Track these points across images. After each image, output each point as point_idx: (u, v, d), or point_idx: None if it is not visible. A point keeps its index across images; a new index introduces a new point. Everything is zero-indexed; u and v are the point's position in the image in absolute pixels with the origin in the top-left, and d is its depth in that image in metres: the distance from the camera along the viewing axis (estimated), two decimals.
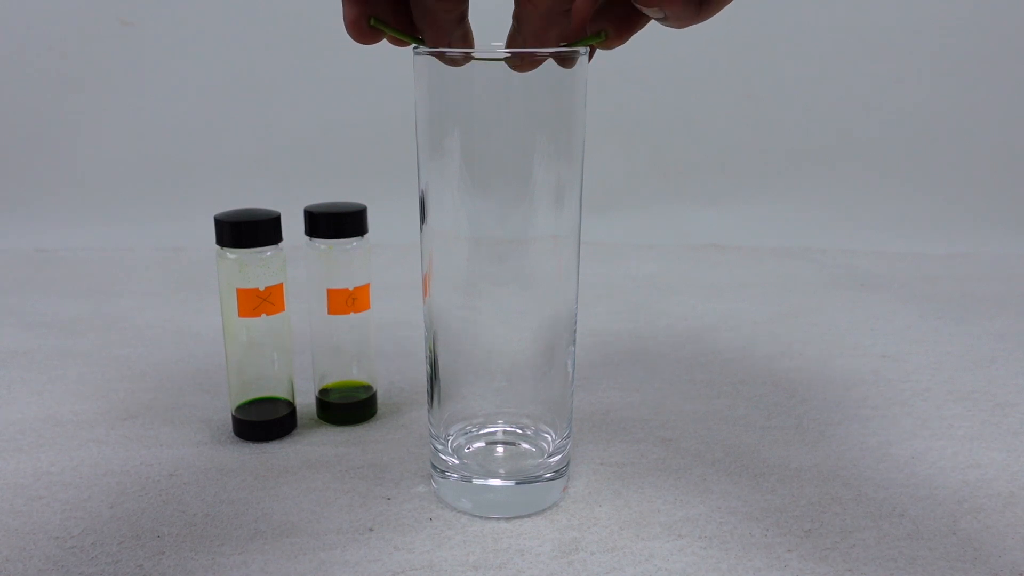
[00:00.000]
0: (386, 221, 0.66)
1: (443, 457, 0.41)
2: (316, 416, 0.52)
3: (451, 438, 0.42)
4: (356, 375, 0.51)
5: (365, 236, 0.49)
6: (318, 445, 0.48)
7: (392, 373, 0.59)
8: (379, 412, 0.52)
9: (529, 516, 0.41)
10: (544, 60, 0.34)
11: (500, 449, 0.42)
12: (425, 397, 0.43)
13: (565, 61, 0.35)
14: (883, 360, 0.62)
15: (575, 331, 0.41)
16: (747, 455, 0.47)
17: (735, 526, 0.40)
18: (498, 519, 0.40)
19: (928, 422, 0.52)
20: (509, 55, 0.34)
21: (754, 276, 0.86)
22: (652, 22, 0.33)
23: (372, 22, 0.32)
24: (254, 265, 0.46)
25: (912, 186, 1.06)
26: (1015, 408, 0.54)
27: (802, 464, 0.46)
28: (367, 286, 0.50)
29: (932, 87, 1.06)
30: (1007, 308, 0.75)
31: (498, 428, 0.42)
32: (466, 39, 0.33)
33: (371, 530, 0.40)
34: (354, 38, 0.33)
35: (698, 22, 0.31)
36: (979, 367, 0.61)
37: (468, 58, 0.33)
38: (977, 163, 1.07)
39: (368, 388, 0.52)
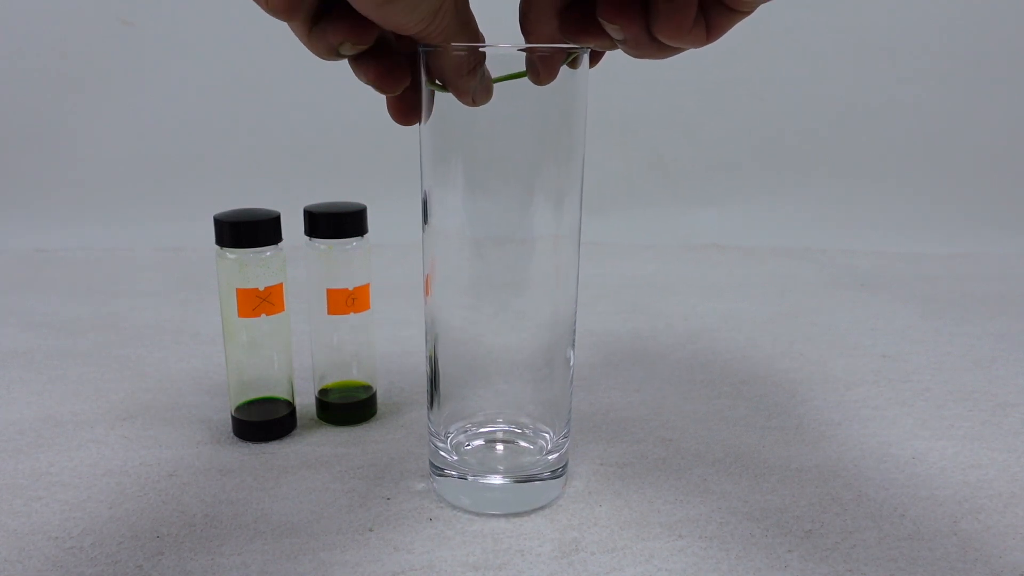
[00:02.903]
0: (386, 221, 0.66)
1: (443, 455, 0.41)
2: (316, 416, 0.52)
3: (450, 435, 0.42)
4: (356, 375, 0.51)
5: (365, 236, 0.49)
6: (318, 445, 0.48)
7: (392, 373, 0.59)
8: (379, 412, 0.52)
9: (529, 516, 0.41)
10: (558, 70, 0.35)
11: (499, 447, 0.42)
12: (425, 397, 0.43)
13: (573, 63, 0.36)
14: (883, 360, 0.62)
15: (574, 331, 0.41)
16: (747, 455, 0.47)
17: (735, 526, 0.40)
18: (498, 519, 0.40)
19: (928, 422, 0.52)
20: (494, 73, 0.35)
21: (754, 276, 0.86)
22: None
23: (429, 85, 0.36)
24: (254, 265, 0.46)
25: (912, 186, 1.06)
26: (1016, 408, 0.54)
27: (803, 464, 0.46)
28: (367, 286, 0.50)
29: (932, 87, 1.06)
30: (1007, 308, 0.75)
31: (497, 427, 0.42)
32: (485, 85, 0.35)
33: (371, 530, 0.39)
34: (399, 123, 0.38)
35: (659, 58, 0.33)
36: (979, 367, 0.61)
37: (482, 95, 0.36)
38: (977, 163, 1.06)
39: (368, 388, 0.52)
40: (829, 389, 0.57)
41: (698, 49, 0.33)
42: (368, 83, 0.34)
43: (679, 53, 0.33)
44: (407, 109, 0.37)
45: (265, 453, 0.47)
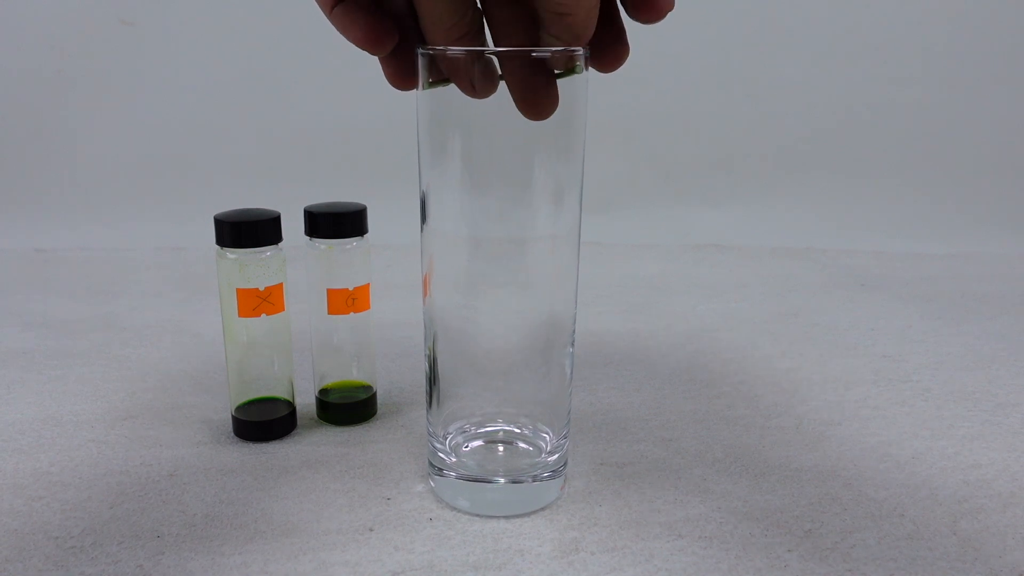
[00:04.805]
0: (386, 221, 0.66)
1: (441, 456, 0.41)
2: (316, 416, 0.52)
3: (449, 436, 0.42)
4: (356, 375, 0.51)
5: (365, 236, 0.49)
6: (318, 445, 0.48)
7: (392, 373, 0.59)
8: (379, 412, 0.52)
9: (529, 516, 0.41)
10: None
11: (499, 448, 0.42)
12: (424, 397, 0.43)
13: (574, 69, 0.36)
14: (883, 360, 0.62)
15: (574, 331, 0.41)
16: (747, 455, 0.47)
17: (735, 526, 0.40)
18: (498, 519, 0.40)
19: (928, 422, 0.52)
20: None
21: (754, 276, 0.86)
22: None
23: (428, 83, 0.36)
24: (254, 265, 0.46)
25: (912, 186, 1.06)
26: (1016, 408, 0.54)
27: (802, 464, 0.46)
28: (367, 286, 0.50)
29: (932, 87, 1.06)
30: (1007, 308, 0.75)
31: (496, 428, 0.42)
32: (489, 73, 0.35)
33: (371, 530, 0.39)
34: (397, 87, 0.37)
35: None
36: (979, 367, 0.61)
37: (485, 84, 0.35)
38: (977, 163, 1.06)
39: (368, 388, 0.52)
40: (829, 389, 0.57)
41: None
42: (355, 41, 0.33)
43: None
44: (403, 72, 0.36)
45: (265, 453, 0.47)
